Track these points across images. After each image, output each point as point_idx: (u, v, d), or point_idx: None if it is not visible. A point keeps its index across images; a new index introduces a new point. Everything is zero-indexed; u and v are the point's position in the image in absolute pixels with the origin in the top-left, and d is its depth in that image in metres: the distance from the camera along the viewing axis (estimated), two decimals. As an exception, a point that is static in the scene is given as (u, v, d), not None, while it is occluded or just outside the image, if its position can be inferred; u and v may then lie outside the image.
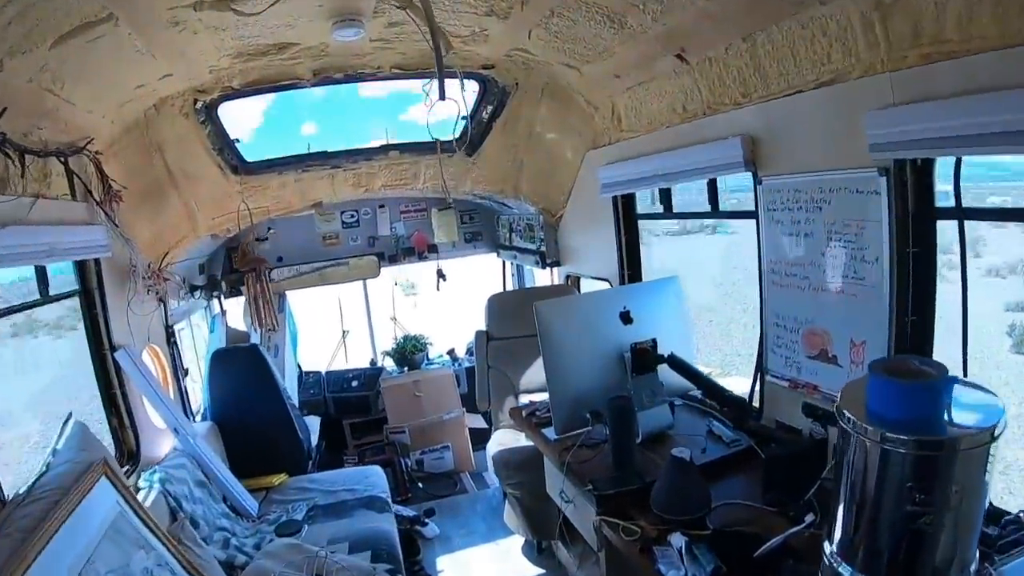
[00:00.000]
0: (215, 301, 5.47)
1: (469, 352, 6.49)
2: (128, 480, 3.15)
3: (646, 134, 3.61)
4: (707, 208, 3.44)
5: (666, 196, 3.71)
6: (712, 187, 3.31)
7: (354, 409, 5.91)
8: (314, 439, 4.85)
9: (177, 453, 3.68)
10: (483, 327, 4.65)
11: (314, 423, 5.11)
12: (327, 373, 6.15)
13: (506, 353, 4.54)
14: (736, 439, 2.90)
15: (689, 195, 3.76)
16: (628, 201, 4.07)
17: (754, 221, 2.91)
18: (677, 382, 3.06)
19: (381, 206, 6.02)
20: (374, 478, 4.19)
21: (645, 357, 2.93)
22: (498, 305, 4.68)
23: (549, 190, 4.86)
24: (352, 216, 6.01)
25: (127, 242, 3.58)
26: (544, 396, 4.02)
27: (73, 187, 3.03)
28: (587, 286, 4.81)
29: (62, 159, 2.89)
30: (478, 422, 5.84)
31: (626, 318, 2.99)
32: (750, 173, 2.87)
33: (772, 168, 2.76)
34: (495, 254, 6.39)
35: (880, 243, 2.28)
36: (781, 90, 2.62)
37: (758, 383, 3.07)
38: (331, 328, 7.35)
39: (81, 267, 3.32)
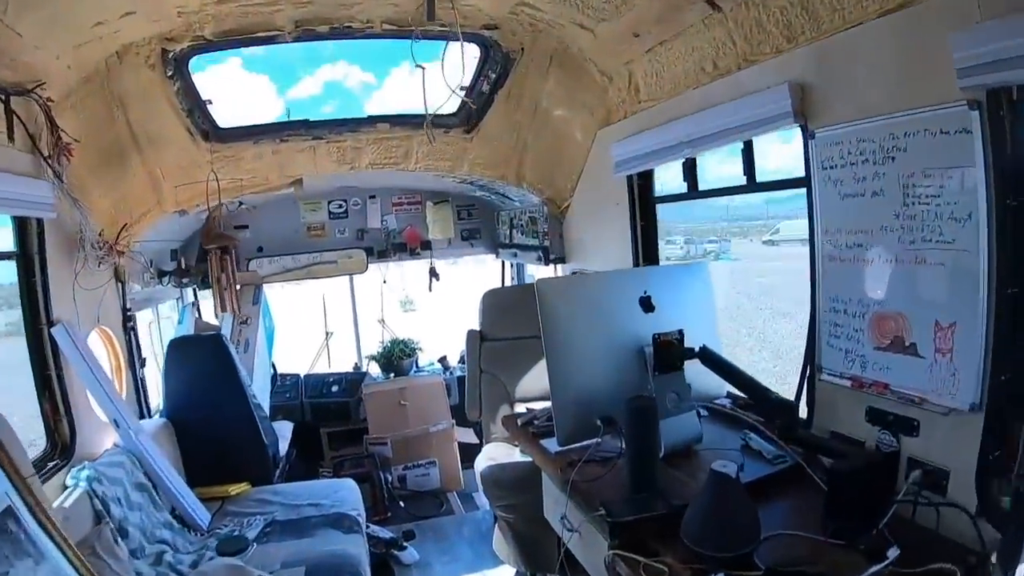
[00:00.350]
0: (188, 291, 5.05)
1: (462, 361, 5.96)
2: (56, 476, 2.80)
3: (668, 100, 3.15)
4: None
5: (690, 172, 3.23)
6: (748, 154, 2.83)
7: (333, 416, 5.38)
8: (284, 446, 4.32)
9: (116, 450, 3.19)
10: (476, 327, 4.14)
11: (285, 429, 4.58)
12: (306, 376, 5.62)
13: (501, 356, 4.03)
14: (780, 454, 2.36)
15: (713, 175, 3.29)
16: (645, 182, 3.59)
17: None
18: (702, 386, 2.58)
19: (372, 197, 5.58)
20: (345, 493, 3.64)
21: (670, 351, 2.40)
22: (494, 302, 4.18)
23: (555, 177, 4.39)
24: (340, 206, 5.56)
25: (76, 204, 3.15)
26: (545, 406, 3.55)
27: (12, 130, 2.67)
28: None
29: (2, 97, 2.56)
30: (469, 437, 5.30)
31: (647, 305, 2.48)
32: (798, 127, 2.39)
33: (827, 118, 2.28)
34: (494, 255, 5.91)
35: (973, 196, 1.79)
36: (835, 27, 2.19)
37: (806, 386, 2.55)
38: (314, 328, 6.83)
39: (21, 227, 2.92)
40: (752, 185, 2.86)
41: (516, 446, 3.74)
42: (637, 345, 2.42)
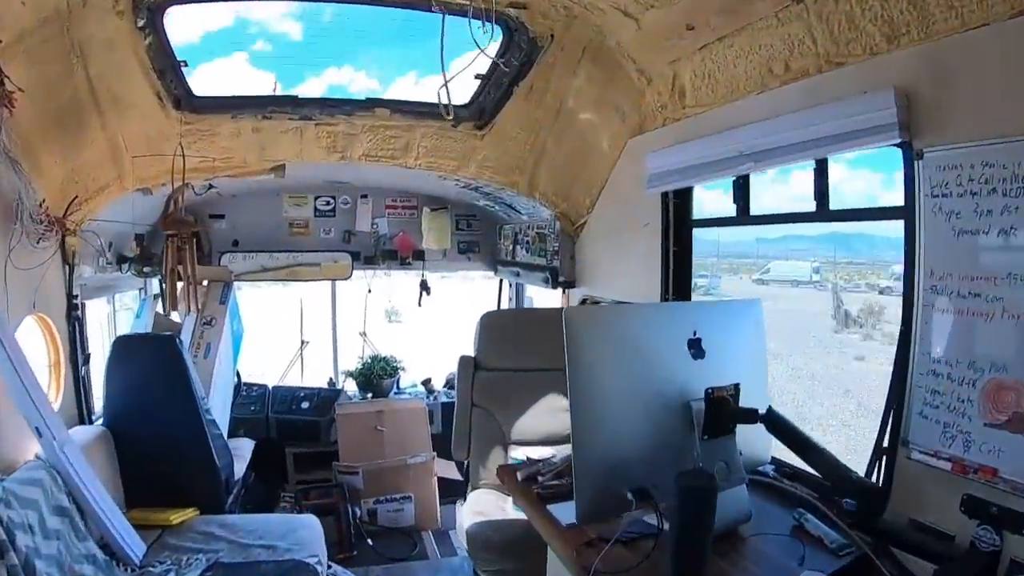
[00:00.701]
0: (154, 282, 4.57)
1: (448, 385, 5.49)
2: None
3: (722, 106, 2.73)
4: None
5: (741, 193, 2.81)
6: (821, 175, 2.42)
7: (301, 436, 4.86)
8: (241, 468, 3.80)
9: (36, 464, 2.68)
10: (471, 352, 3.67)
11: (244, 447, 4.06)
12: (275, 389, 5.10)
13: (498, 389, 3.56)
14: (846, 544, 1.92)
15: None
16: (682, 201, 3.16)
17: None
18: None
19: (363, 196, 5.14)
20: (305, 533, 3.13)
21: (725, 410, 1.95)
22: (493, 325, 3.72)
23: (573, 189, 3.96)
24: (327, 203, 5.12)
25: (14, 167, 2.70)
26: (546, 454, 3.08)
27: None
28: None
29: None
30: (450, 471, 4.79)
31: (696, 349, 2.02)
32: (899, 145, 1.98)
33: (940, 135, 1.87)
34: (492, 272, 5.47)
35: None
36: (951, 28, 1.81)
37: (882, 462, 2.11)
38: (287, 335, 6.30)
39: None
40: (824, 213, 2.43)
41: (508, 495, 3.26)
42: (682, 398, 1.96)
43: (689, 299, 3.19)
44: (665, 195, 3.15)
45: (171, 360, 3.23)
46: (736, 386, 2.01)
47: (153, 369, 3.26)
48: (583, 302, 4.11)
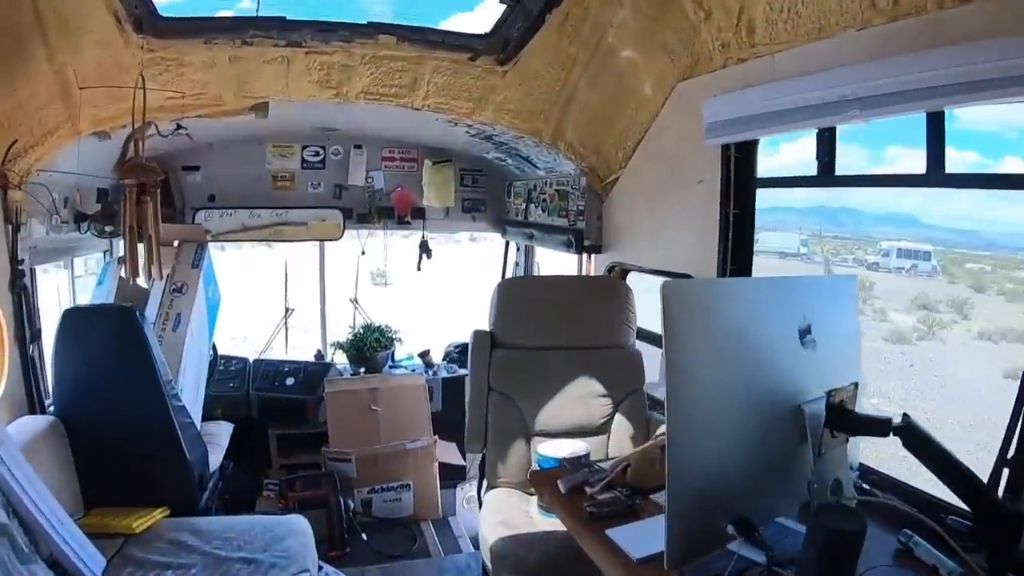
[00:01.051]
0: (120, 243, 4.00)
1: (449, 358, 5.08)
2: None
3: (807, 45, 2.28)
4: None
5: (827, 148, 2.37)
6: (937, 129, 1.98)
7: (285, 416, 4.44)
8: (218, 457, 3.39)
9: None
10: (486, 326, 3.24)
11: (221, 433, 3.65)
12: (256, 362, 4.67)
13: (520, 370, 3.13)
14: (964, 573, 1.56)
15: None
16: (744, 156, 2.72)
17: None
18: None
19: (357, 146, 4.66)
20: (293, 542, 2.70)
21: (847, 418, 1.56)
22: (512, 295, 3.27)
23: (605, 141, 3.50)
24: (316, 154, 4.63)
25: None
26: (577, 447, 2.71)
27: None
28: (638, 287, 3.42)
29: None
30: (452, 455, 4.44)
31: (806, 336, 1.62)
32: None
33: None
34: (499, 233, 5.02)
35: None
36: None
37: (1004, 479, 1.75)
38: (270, 302, 5.79)
39: None
40: (939, 176, 2.00)
41: (531, 494, 2.88)
42: (791, 401, 1.56)
43: (750, 273, 2.77)
44: (726, 149, 2.71)
45: (130, 336, 2.77)
46: (855, 386, 1.63)
47: (108, 348, 2.79)
48: (610, 270, 3.69)
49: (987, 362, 6.68)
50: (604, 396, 3.11)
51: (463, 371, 4.82)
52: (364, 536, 3.87)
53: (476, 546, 4.58)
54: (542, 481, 2.24)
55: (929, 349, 7.99)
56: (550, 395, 3.07)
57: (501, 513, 2.79)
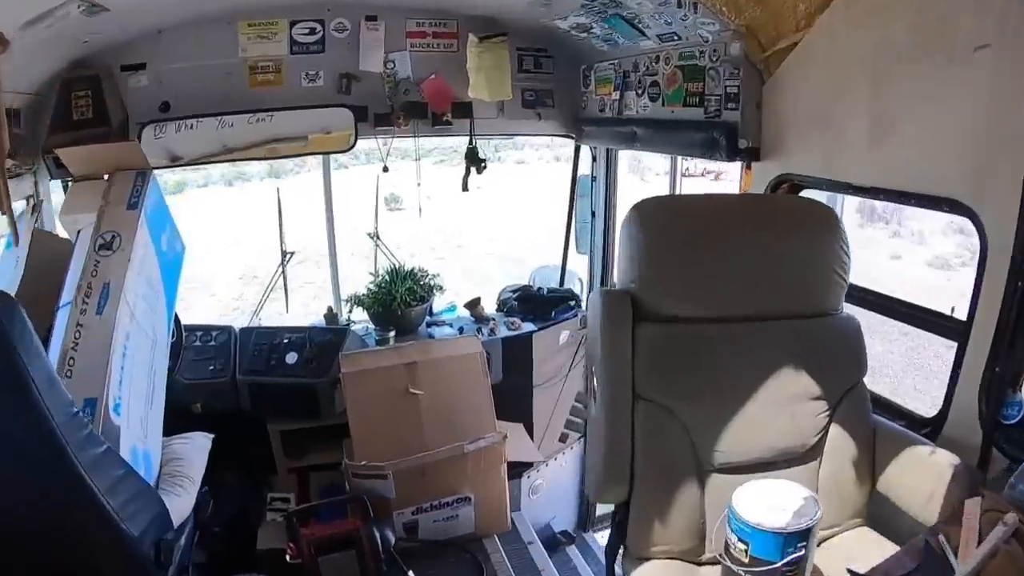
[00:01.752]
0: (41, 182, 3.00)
1: (507, 309, 3.92)
2: None
3: None
4: None
5: None
6: None
7: (288, 407, 3.32)
8: (188, 504, 2.22)
9: None
10: (615, 282, 2.07)
11: (192, 456, 2.47)
12: (243, 332, 3.48)
13: (683, 360, 1.93)
14: None
15: None
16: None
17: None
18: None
19: (371, 18, 3.37)
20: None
21: None
22: (666, 228, 2.00)
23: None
24: (312, 31, 3.37)
25: None
26: (797, 495, 1.67)
27: None
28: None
29: None
30: (523, 448, 3.38)
31: None
32: None
33: None
34: (572, 137, 3.83)
35: None
36: None
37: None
38: (258, 245, 4.49)
39: None
40: None
41: (699, 563, 1.75)
42: None
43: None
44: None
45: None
46: None
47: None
48: (776, 187, 2.46)
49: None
50: (816, 398, 1.95)
51: (528, 326, 3.75)
52: (411, 574, 2.79)
53: (547, 547, 3.70)
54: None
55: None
56: (734, 401, 1.89)
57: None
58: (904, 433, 2.00)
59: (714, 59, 2.55)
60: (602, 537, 4.43)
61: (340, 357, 3.11)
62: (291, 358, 3.28)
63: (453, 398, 3.13)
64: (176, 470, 2.29)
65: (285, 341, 3.36)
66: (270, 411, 3.32)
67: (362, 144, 3.41)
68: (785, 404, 1.92)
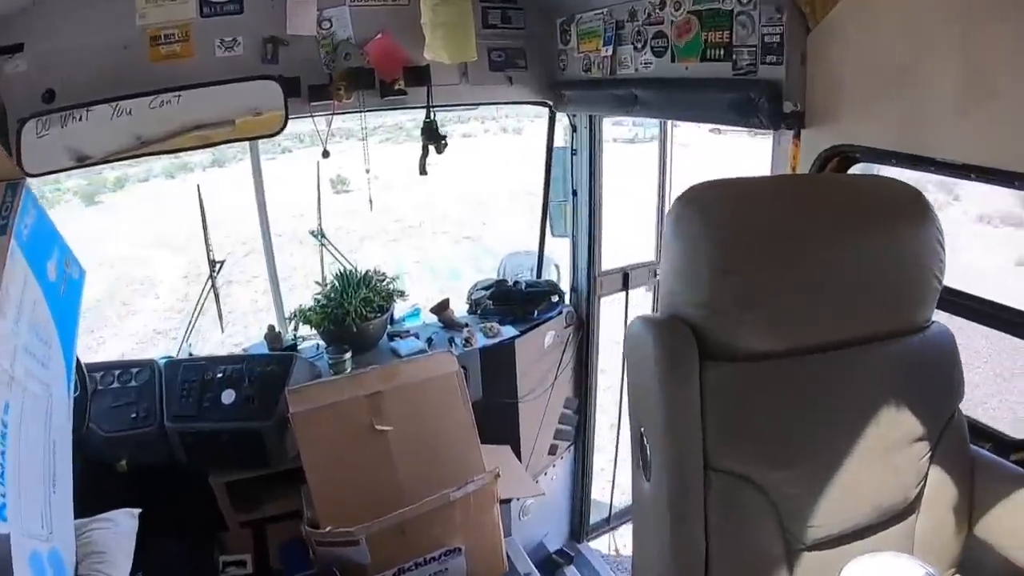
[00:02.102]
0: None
1: (481, 309, 3.44)
2: None
3: None
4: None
5: None
6: None
7: (230, 456, 2.77)
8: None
9: None
10: (667, 305, 1.51)
11: (119, 533, 1.94)
12: (169, 367, 2.89)
13: (767, 411, 1.42)
14: None
15: None
16: None
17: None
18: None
19: (301, -33, 2.74)
20: None
21: None
22: (749, 226, 1.44)
23: None
24: (224, -12, 2.72)
25: None
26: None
27: None
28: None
29: None
30: (516, 481, 2.93)
31: None
32: None
33: None
34: (548, 104, 3.31)
35: None
36: None
37: None
38: (179, 256, 3.90)
39: None
40: None
41: None
42: None
43: None
44: None
45: None
46: None
47: None
48: (823, 165, 2.01)
49: None
50: (917, 439, 1.50)
51: (508, 330, 3.30)
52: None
53: (544, 571, 3.58)
54: None
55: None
56: (830, 458, 1.43)
57: None
58: (1009, 467, 1.60)
59: (745, 1, 2.06)
60: (598, 545, 4.19)
61: (286, 393, 2.58)
62: (228, 397, 2.72)
63: (429, 431, 2.66)
64: (95, 569, 1.78)
65: (219, 376, 2.77)
66: (209, 462, 2.78)
67: (300, 126, 2.84)
68: (883, 452, 1.48)
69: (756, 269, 1.39)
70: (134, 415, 2.70)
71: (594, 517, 4.16)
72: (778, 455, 1.41)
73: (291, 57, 2.79)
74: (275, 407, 2.67)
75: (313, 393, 2.61)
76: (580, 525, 4.13)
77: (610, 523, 4.25)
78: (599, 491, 4.14)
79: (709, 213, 1.44)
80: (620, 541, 4.38)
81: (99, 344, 8.11)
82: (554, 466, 3.80)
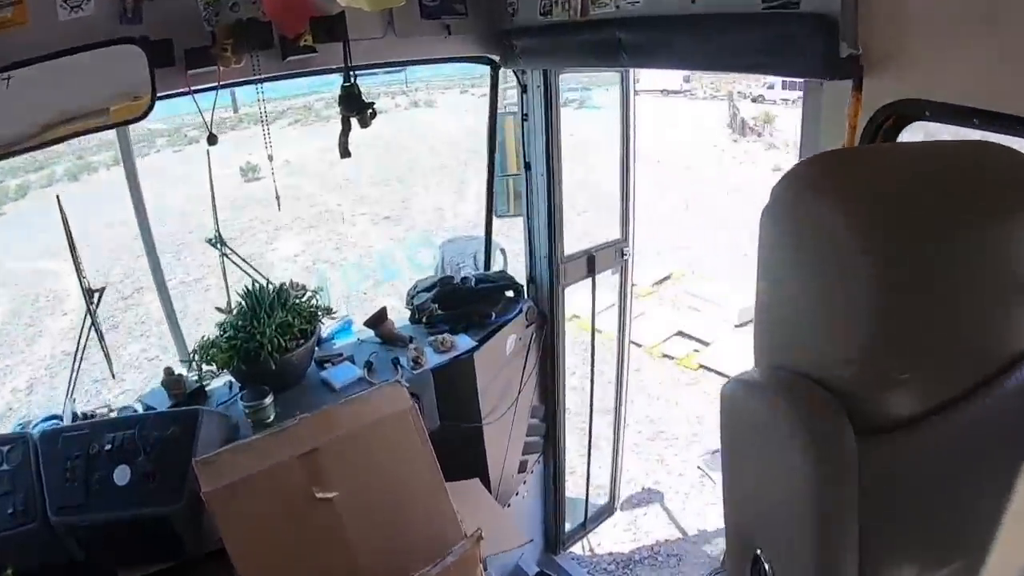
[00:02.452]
0: None
1: (427, 315, 2.91)
2: None
3: None
4: None
5: None
6: None
7: (136, 546, 2.16)
8: None
9: None
10: (785, 358, 0.94)
11: None
12: (43, 438, 2.19)
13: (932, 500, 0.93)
14: None
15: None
16: None
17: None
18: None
19: None
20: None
21: None
22: (903, 226, 0.83)
23: None
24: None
25: None
26: None
27: None
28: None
29: None
30: (495, 531, 2.44)
31: None
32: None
33: None
34: (492, 61, 2.77)
35: None
36: None
37: None
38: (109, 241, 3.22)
39: None
40: None
41: None
42: None
43: None
44: None
45: None
46: None
47: None
48: (880, 125, 1.54)
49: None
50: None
51: (463, 341, 2.85)
52: None
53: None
54: None
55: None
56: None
57: None
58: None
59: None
60: (579, 549, 4.01)
61: (194, 465, 1.98)
62: (121, 476, 2.06)
63: (386, 490, 2.15)
64: None
65: (107, 448, 2.11)
66: (114, 560, 2.17)
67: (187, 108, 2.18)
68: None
69: (919, 296, 0.87)
70: (10, 510, 2.07)
71: (569, 523, 3.86)
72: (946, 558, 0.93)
73: (158, 13, 2.08)
74: (182, 484, 2.05)
75: (229, 461, 2.01)
76: (556, 536, 3.81)
77: (586, 527, 3.99)
78: (571, 488, 3.82)
79: (860, 209, 0.86)
80: (595, 540, 4.15)
81: (4, 375, 7.36)
82: (524, 483, 3.43)
